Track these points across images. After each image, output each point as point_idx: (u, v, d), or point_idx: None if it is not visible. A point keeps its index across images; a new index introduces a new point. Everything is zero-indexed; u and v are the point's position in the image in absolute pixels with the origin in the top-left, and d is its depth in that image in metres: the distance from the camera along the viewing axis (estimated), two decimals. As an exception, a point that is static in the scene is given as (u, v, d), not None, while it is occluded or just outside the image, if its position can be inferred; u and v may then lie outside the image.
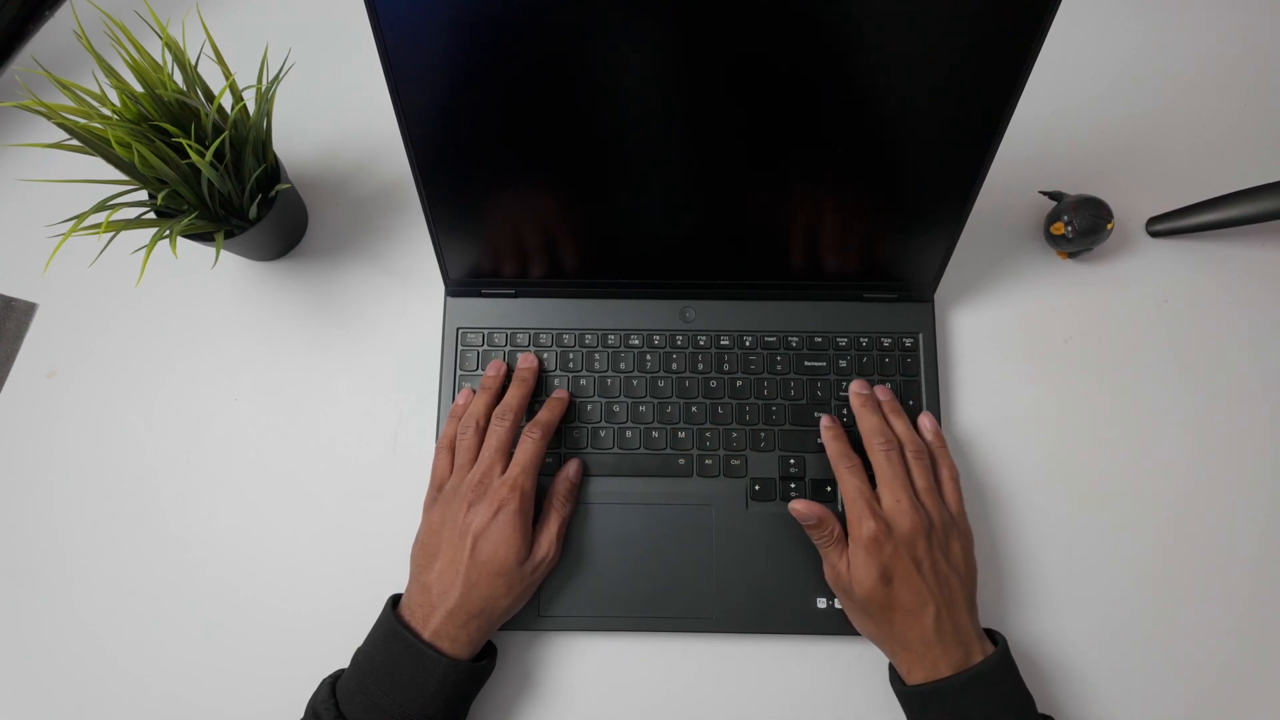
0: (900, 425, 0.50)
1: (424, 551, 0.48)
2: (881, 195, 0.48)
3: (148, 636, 0.52)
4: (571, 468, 0.51)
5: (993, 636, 0.47)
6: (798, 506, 0.49)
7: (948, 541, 0.46)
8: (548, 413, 0.52)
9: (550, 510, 0.50)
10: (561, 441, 0.53)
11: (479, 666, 0.46)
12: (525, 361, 0.54)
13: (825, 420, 0.52)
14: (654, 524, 0.52)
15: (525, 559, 0.47)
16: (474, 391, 0.53)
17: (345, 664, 0.47)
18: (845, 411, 0.53)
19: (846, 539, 0.47)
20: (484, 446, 0.49)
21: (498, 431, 0.49)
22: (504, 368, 0.54)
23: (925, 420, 0.52)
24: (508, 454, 0.49)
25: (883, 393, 0.52)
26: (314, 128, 0.61)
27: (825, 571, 0.49)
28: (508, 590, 0.46)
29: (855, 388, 0.53)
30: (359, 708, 0.44)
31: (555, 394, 0.54)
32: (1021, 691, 0.44)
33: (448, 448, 0.51)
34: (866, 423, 0.50)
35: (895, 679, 0.47)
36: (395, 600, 0.48)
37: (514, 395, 0.51)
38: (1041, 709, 0.46)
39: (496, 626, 0.47)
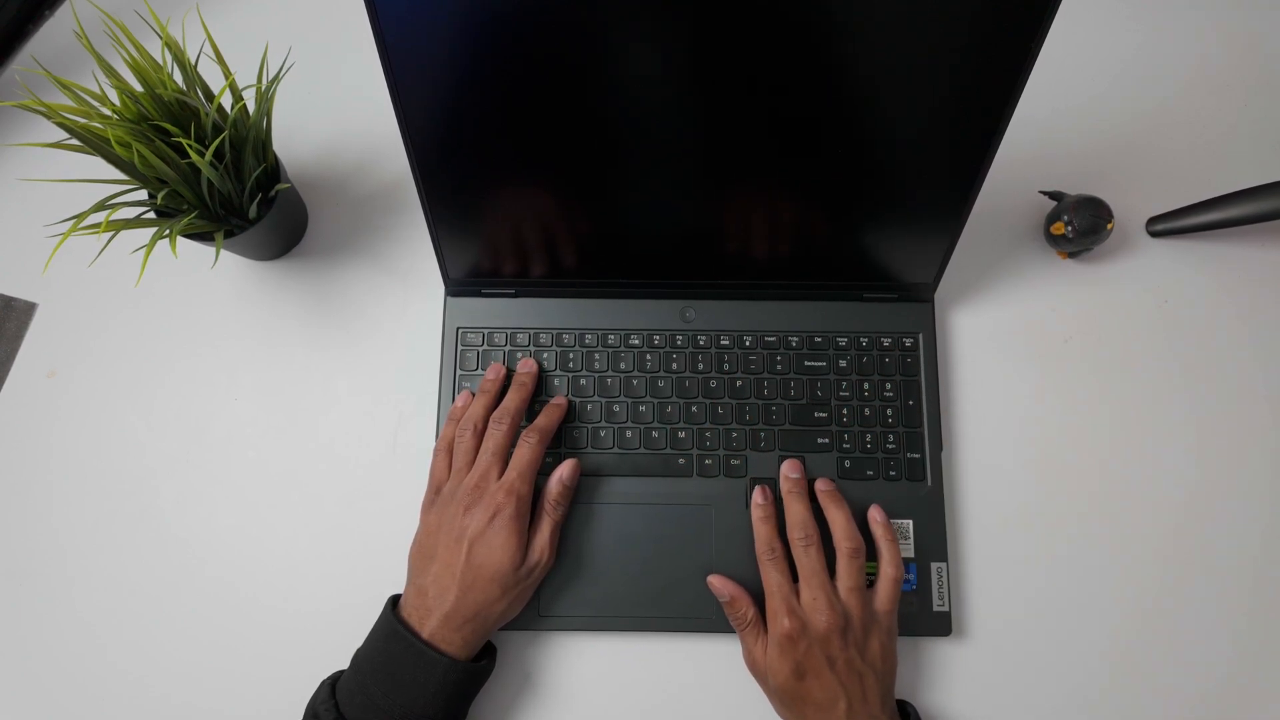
0: (839, 517, 0.49)
1: (421, 554, 0.48)
2: (882, 195, 0.48)
3: (148, 636, 0.52)
4: (565, 469, 0.51)
5: (904, 709, 0.47)
6: (714, 582, 0.49)
7: (866, 639, 0.46)
8: (546, 418, 0.51)
9: (543, 514, 0.49)
10: (562, 441, 0.53)
11: (479, 666, 0.46)
12: (524, 366, 0.54)
13: (756, 496, 0.50)
14: (654, 524, 0.52)
15: (520, 564, 0.47)
16: (473, 394, 0.53)
17: (345, 664, 0.47)
18: (841, 416, 0.53)
19: (764, 625, 0.47)
20: (481, 450, 0.49)
21: (495, 435, 0.49)
22: (503, 371, 0.53)
23: (874, 513, 0.50)
24: (505, 458, 0.49)
25: (823, 483, 0.51)
26: (314, 128, 0.61)
27: (743, 655, 0.49)
28: (503, 594, 0.46)
29: (786, 469, 0.51)
30: (359, 708, 0.44)
31: (554, 400, 0.53)
32: None
33: (446, 450, 0.51)
34: (791, 512, 0.49)
35: None
36: (395, 600, 0.48)
37: (512, 399, 0.51)
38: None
39: (493, 630, 0.47)
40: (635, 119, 0.44)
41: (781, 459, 0.53)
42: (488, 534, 0.46)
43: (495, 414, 0.50)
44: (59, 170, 0.51)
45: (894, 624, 0.48)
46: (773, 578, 0.47)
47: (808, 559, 0.47)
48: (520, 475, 0.48)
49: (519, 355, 0.55)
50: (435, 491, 0.50)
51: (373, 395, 0.56)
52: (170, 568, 0.53)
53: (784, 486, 0.51)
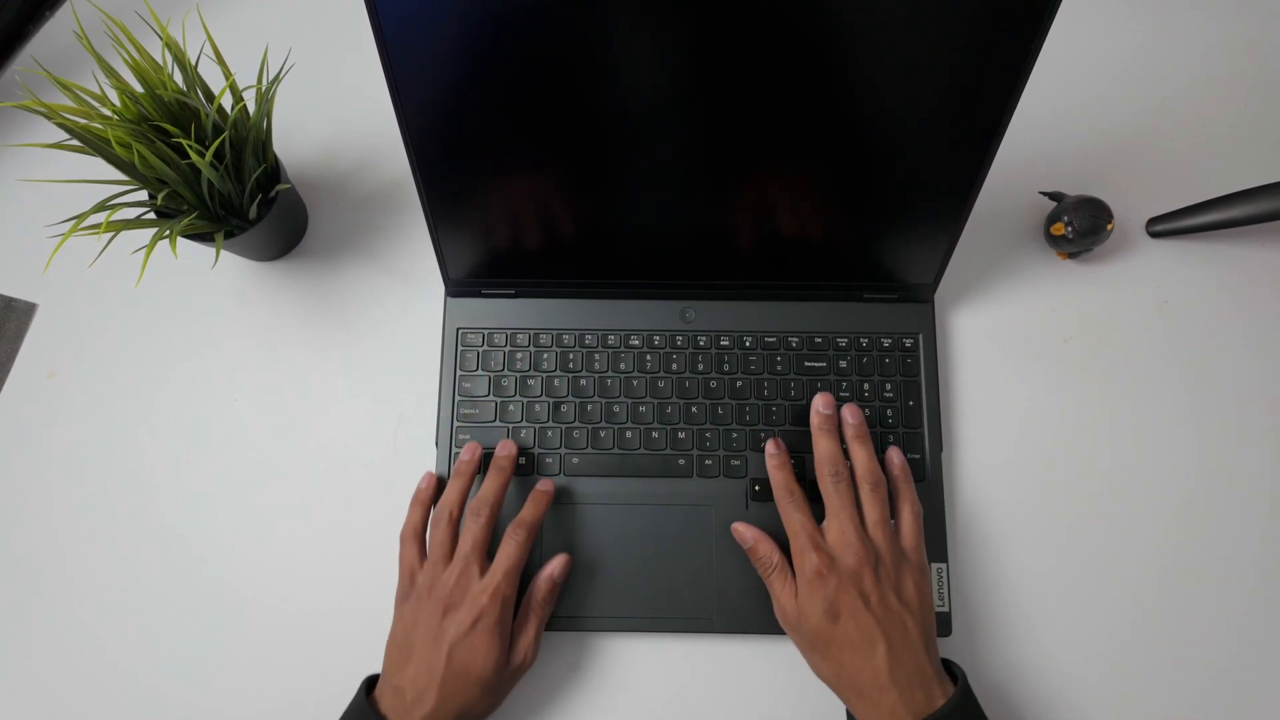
0: (861, 453, 0.48)
1: (398, 650, 0.46)
2: (882, 195, 0.48)
3: (147, 636, 0.52)
4: (557, 567, 0.48)
5: (950, 669, 0.45)
6: (738, 527, 0.49)
7: (899, 576, 0.45)
8: (533, 509, 0.48)
9: (530, 613, 0.47)
10: (562, 442, 0.53)
11: None
12: (503, 448, 0.51)
13: (770, 446, 0.49)
14: (654, 524, 0.52)
15: (504, 667, 0.45)
16: (440, 478, 0.51)
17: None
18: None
19: (792, 570, 0.46)
20: (459, 543, 0.47)
21: (473, 529, 0.46)
22: (479, 451, 0.51)
23: (892, 454, 0.50)
24: (484, 553, 0.47)
25: (851, 414, 0.50)
26: (314, 128, 0.61)
27: (774, 607, 0.47)
28: (483, 696, 0.44)
29: (818, 404, 0.50)
30: None
31: (540, 485, 0.50)
32: None
33: (413, 537, 0.48)
34: (820, 448, 0.48)
35: None
36: (371, 683, 0.46)
37: (490, 488, 0.48)
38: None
39: None
40: (635, 119, 0.44)
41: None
42: (471, 638, 0.44)
43: (473, 504, 0.48)
44: (59, 171, 0.51)
45: (924, 561, 0.47)
46: (794, 518, 0.46)
47: (837, 494, 0.46)
48: (506, 577, 0.45)
49: (519, 355, 0.55)
50: (409, 582, 0.47)
51: (373, 395, 0.56)
52: (170, 568, 0.53)
53: (815, 421, 0.50)
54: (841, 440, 0.50)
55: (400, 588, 0.48)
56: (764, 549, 0.47)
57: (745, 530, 0.49)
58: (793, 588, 0.46)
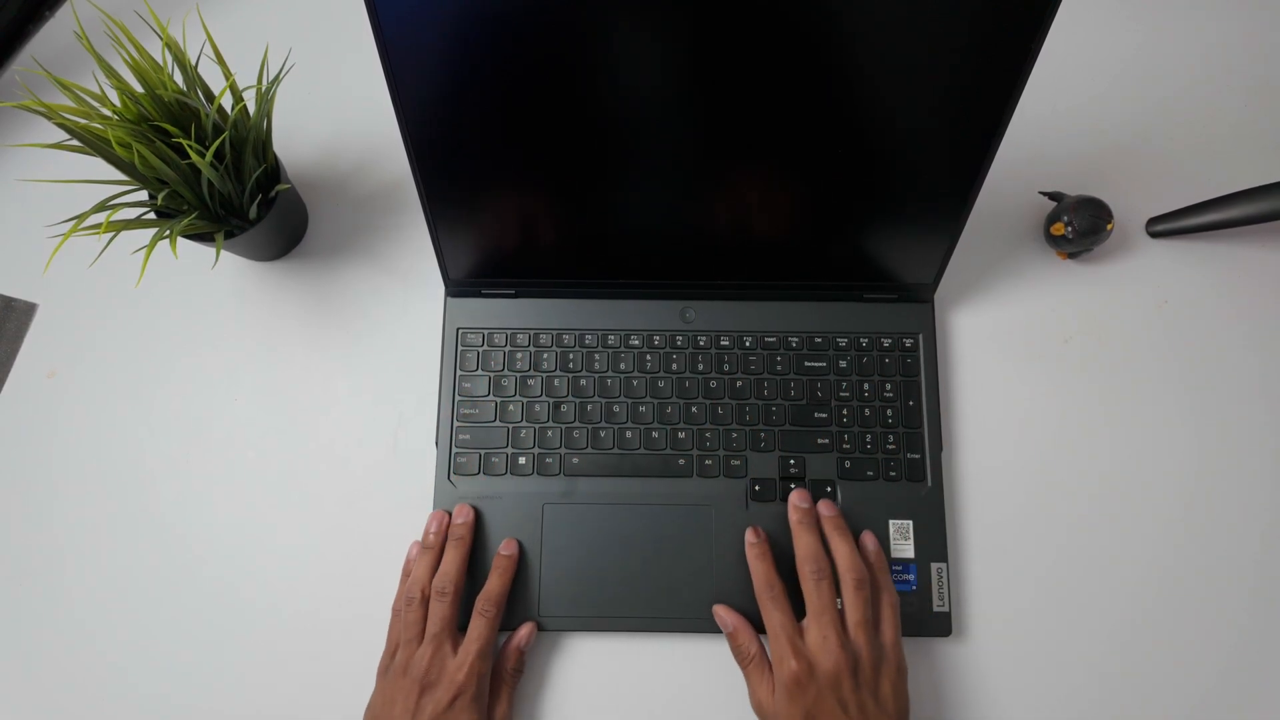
0: (843, 547, 0.48)
1: None
2: (882, 195, 0.48)
3: (147, 636, 0.52)
4: (524, 636, 0.49)
5: None
6: (719, 611, 0.49)
7: (877, 680, 0.45)
8: (498, 580, 0.49)
9: (502, 684, 0.48)
10: (562, 442, 0.53)
11: None
12: (460, 515, 0.51)
13: (749, 535, 0.50)
14: (654, 524, 0.52)
15: None
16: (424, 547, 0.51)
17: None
18: (842, 416, 0.53)
19: (769, 664, 0.46)
20: (428, 624, 0.47)
21: (439, 610, 0.47)
22: (446, 521, 0.51)
23: (867, 540, 0.50)
24: (454, 629, 0.48)
25: (826, 507, 0.50)
26: (314, 128, 0.61)
27: (749, 696, 0.47)
28: None
29: (794, 499, 0.50)
30: None
31: (502, 549, 0.50)
32: None
33: (400, 611, 0.49)
34: (801, 544, 0.48)
35: None
36: None
37: (450, 563, 0.49)
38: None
39: None
40: (635, 119, 0.44)
41: (782, 459, 0.53)
42: (449, 715, 0.45)
43: (436, 583, 0.48)
44: (59, 170, 0.51)
45: (903, 660, 0.46)
46: (775, 617, 0.46)
47: (819, 594, 0.46)
48: (479, 654, 0.46)
49: (519, 355, 0.55)
50: (391, 655, 0.48)
51: (373, 395, 0.56)
52: (170, 568, 0.53)
53: (793, 517, 0.50)
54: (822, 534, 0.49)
55: (383, 659, 0.48)
56: (743, 639, 0.48)
57: (726, 616, 0.49)
58: (769, 684, 0.46)
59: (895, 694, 0.45)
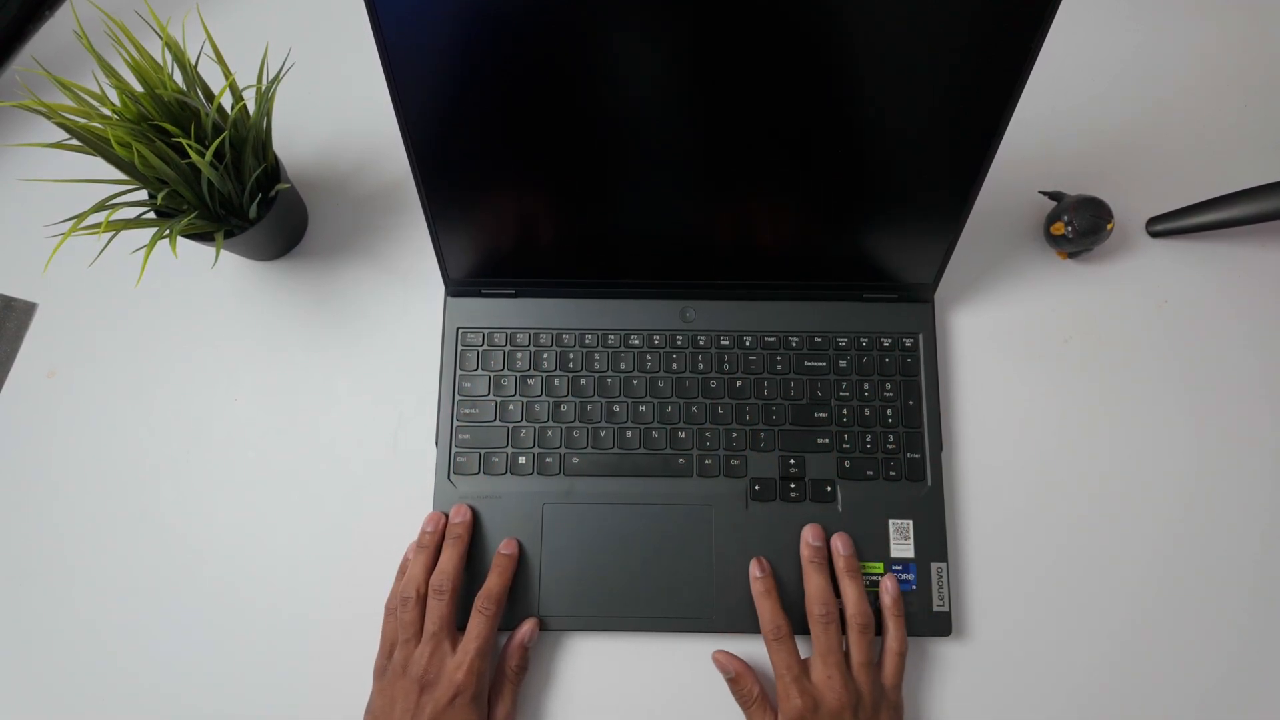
0: (853, 592, 0.49)
1: None
2: (882, 195, 0.48)
3: (147, 636, 0.52)
4: (526, 631, 0.49)
5: None
6: (719, 658, 0.49)
7: (875, 717, 0.46)
8: (498, 579, 0.49)
9: (505, 682, 0.48)
10: (562, 441, 0.53)
11: None
12: (458, 514, 0.51)
13: (754, 569, 0.50)
14: (654, 524, 0.52)
15: None
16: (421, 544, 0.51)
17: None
18: (842, 416, 0.53)
19: (770, 704, 0.47)
20: (426, 622, 0.47)
21: (437, 608, 0.47)
22: (442, 521, 0.51)
23: (888, 584, 0.50)
24: (453, 627, 0.47)
25: (843, 544, 0.50)
26: (314, 128, 0.61)
27: None
28: None
29: (807, 535, 0.50)
30: None
31: (502, 548, 0.50)
32: None
33: (395, 610, 0.49)
34: (811, 584, 0.49)
35: None
36: None
37: (448, 560, 0.49)
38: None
39: None
40: (634, 119, 0.44)
41: (782, 459, 0.53)
42: (450, 714, 0.45)
43: (434, 581, 0.48)
44: (59, 170, 0.51)
45: (901, 700, 0.48)
46: (781, 658, 0.47)
47: (826, 637, 0.47)
48: (479, 652, 0.46)
49: (519, 355, 0.55)
50: (387, 656, 0.48)
51: (373, 395, 0.56)
52: (170, 568, 0.53)
53: (805, 554, 0.50)
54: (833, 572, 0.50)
55: (379, 658, 0.48)
56: (746, 682, 0.48)
57: (727, 661, 0.49)
58: None
59: None
